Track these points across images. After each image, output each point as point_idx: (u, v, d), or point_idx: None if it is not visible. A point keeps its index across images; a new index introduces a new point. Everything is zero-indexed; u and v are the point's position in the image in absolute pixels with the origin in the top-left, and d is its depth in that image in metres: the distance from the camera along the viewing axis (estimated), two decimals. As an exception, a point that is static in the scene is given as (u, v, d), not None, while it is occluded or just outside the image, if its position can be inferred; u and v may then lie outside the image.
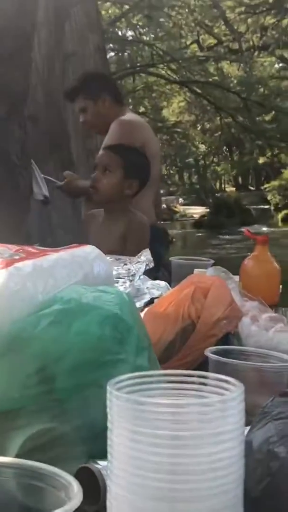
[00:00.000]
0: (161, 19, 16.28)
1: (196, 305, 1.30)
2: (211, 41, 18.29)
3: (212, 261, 2.16)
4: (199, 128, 26.89)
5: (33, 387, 0.93)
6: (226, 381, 0.66)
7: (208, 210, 23.24)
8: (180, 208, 26.69)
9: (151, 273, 1.91)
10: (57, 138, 6.47)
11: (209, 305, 1.30)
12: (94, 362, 0.94)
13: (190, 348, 1.26)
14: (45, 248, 1.22)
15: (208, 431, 0.60)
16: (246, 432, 0.70)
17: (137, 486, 0.59)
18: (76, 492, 0.58)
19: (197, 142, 28.95)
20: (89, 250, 1.20)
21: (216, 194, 28.27)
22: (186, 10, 15.82)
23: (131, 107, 15.05)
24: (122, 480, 0.60)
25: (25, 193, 3.39)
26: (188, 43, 18.60)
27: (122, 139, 2.88)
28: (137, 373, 0.69)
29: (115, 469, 0.61)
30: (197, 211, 25.17)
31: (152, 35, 17.86)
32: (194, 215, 24.47)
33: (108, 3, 14.74)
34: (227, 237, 17.22)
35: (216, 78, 19.02)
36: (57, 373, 0.93)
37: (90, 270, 1.15)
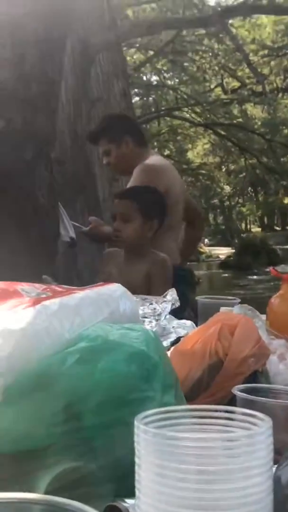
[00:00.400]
0: (185, 64, 16.54)
1: (223, 342, 1.29)
2: (235, 84, 18.49)
3: (238, 300, 2.15)
4: (223, 170, 27.06)
5: (60, 425, 0.92)
6: (253, 416, 0.66)
7: (234, 250, 23.23)
8: (206, 249, 26.70)
9: (177, 314, 1.90)
10: (83, 181, 6.55)
11: (236, 342, 1.29)
12: (121, 399, 0.94)
13: (217, 386, 1.25)
14: (71, 287, 1.23)
15: (236, 466, 0.59)
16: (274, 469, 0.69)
17: (164, 522, 0.58)
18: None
19: (222, 184, 29.09)
20: (115, 288, 1.21)
21: (242, 235, 28.27)
22: (210, 54, 16.05)
23: (156, 150, 15.19)
24: (149, 515, 0.59)
25: (52, 235, 3.43)
26: (212, 86, 18.83)
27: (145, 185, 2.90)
28: (164, 408, 0.69)
29: (142, 505, 0.60)
30: (223, 251, 25.17)
31: (177, 79, 18.13)
32: (220, 256, 24.46)
33: (133, 49, 15.02)
34: (253, 277, 17.15)
35: (240, 120, 19.19)
36: (84, 411, 0.93)
37: (116, 307, 1.16)
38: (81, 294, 1.12)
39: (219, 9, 11.28)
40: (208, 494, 0.58)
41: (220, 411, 0.67)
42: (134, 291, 1.34)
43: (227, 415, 0.67)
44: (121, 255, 2.72)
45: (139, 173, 3.04)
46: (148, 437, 0.61)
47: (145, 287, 2.48)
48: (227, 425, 0.67)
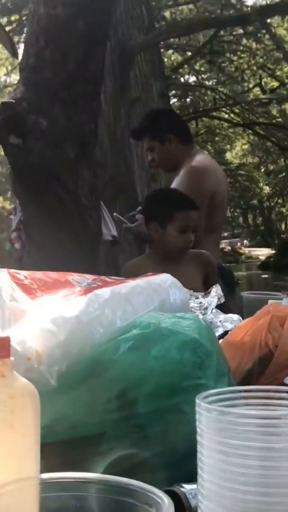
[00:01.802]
0: (223, 64, 16.47)
1: (273, 334, 1.28)
2: (274, 83, 18.35)
3: (285, 295, 2.13)
4: (263, 170, 26.86)
5: (114, 412, 0.92)
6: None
7: (273, 251, 23.03)
8: (245, 250, 26.54)
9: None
10: (122, 182, 6.57)
11: (286, 333, 1.28)
12: (174, 387, 0.94)
13: (268, 377, 1.23)
14: (120, 278, 1.23)
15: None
16: None
17: (227, 500, 0.58)
18: (168, 507, 0.57)
19: (261, 184, 28.88)
20: (165, 278, 1.21)
21: (282, 235, 28.02)
22: (248, 54, 15.95)
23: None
24: (212, 493, 0.59)
25: (95, 235, 3.44)
26: (250, 86, 18.71)
27: (191, 189, 2.86)
28: (226, 388, 0.69)
29: (205, 483, 0.60)
30: (262, 252, 25.00)
31: (214, 80, 18.06)
32: (260, 257, 24.28)
33: (170, 50, 15.02)
34: (294, 278, 16.96)
35: (279, 119, 19.02)
36: (138, 398, 0.92)
37: (166, 297, 1.16)
38: (131, 284, 1.13)
39: (259, 7, 11.22)
40: (272, 471, 0.57)
41: (282, 391, 0.66)
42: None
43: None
44: (152, 261, 2.66)
45: (186, 175, 3.02)
46: (211, 415, 0.60)
47: (198, 284, 2.47)
48: (288, 405, 0.66)
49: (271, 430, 0.58)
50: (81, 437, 0.92)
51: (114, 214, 3.39)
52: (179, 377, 0.94)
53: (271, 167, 26.33)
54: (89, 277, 1.16)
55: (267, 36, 12.59)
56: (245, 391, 0.70)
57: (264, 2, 13.23)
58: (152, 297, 1.12)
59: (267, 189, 29.57)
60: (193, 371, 0.96)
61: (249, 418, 0.60)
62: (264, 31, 11.35)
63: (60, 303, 0.97)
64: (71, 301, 0.98)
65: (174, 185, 3.08)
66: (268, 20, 10.36)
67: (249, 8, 11.69)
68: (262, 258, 23.55)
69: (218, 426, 0.59)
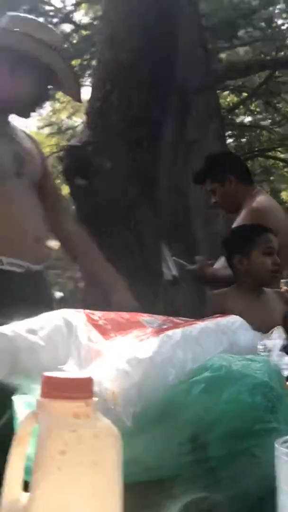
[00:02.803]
0: (278, 104, 16.49)
1: None
2: None
3: None
4: None
5: (187, 455, 0.92)
6: None
7: None
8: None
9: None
10: (180, 222, 6.60)
11: None
12: (246, 430, 0.94)
13: None
14: (189, 319, 1.24)
15: None
16: None
17: None
18: None
19: None
20: (233, 320, 1.21)
21: None
22: (304, 94, 15.95)
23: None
24: None
25: (156, 274, 3.46)
26: (306, 126, 18.66)
27: None
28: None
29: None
30: None
31: (270, 120, 18.10)
32: None
33: (226, 92, 15.14)
34: None
35: None
36: (210, 441, 0.93)
37: (235, 339, 1.16)
38: (201, 325, 1.13)
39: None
40: None
41: None
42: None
43: None
44: (239, 292, 2.68)
45: (247, 215, 3.04)
46: (292, 461, 0.60)
47: (280, 318, 2.48)
48: None
49: None
50: (156, 480, 0.92)
51: (173, 258, 3.43)
52: (250, 420, 0.94)
53: None
54: (159, 318, 1.18)
55: None
56: None
57: None
58: (221, 339, 1.13)
59: None
60: (265, 414, 0.95)
61: None
62: None
63: (133, 344, 0.99)
64: (143, 342, 0.99)
65: (236, 224, 3.10)
66: None
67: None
68: None
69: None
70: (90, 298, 3.57)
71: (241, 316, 1.23)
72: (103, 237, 3.39)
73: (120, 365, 0.90)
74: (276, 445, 0.64)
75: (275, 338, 1.84)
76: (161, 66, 3.36)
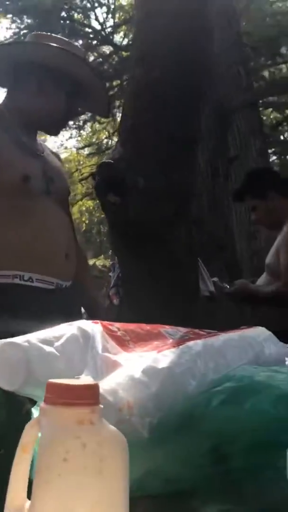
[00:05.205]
0: None
1: None
2: None
3: None
4: None
5: (207, 467, 0.90)
6: None
7: None
8: None
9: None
10: (221, 240, 6.56)
11: None
12: (269, 442, 0.91)
13: None
14: (213, 331, 1.22)
15: None
16: None
17: None
18: None
19: None
20: (259, 332, 1.19)
21: None
22: None
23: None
24: None
25: (192, 291, 3.44)
26: None
27: None
28: None
29: None
30: None
31: (315, 137, 17.93)
32: None
33: (270, 109, 15.07)
34: None
35: None
36: (231, 453, 0.90)
37: (260, 351, 1.13)
38: (225, 337, 1.11)
39: None
40: None
41: None
42: None
43: None
44: None
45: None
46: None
47: None
48: None
49: None
50: (175, 492, 0.90)
51: (212, 279, 3.41)
52: (273, 432, 0.91)
53: None
54: (182, 329, 1.16)
55: None
56: None
57: None
58: (246, 350, 1.10)
59: None
60: (288, 426, 0.93)
61: None
62: None
63: (151, 354, 0.98)
64: (162, 352, 0.98)
65: (277, 242, 3.08)
66: None
67: None
68: None
69: None
70: (124, 315, 3.58)
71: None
72: (137, 254, 3.39)
73: (136, 375, 0.89)
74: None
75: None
76: (194, 83, 3.36)
